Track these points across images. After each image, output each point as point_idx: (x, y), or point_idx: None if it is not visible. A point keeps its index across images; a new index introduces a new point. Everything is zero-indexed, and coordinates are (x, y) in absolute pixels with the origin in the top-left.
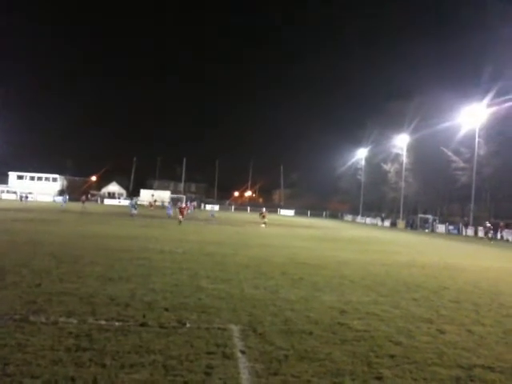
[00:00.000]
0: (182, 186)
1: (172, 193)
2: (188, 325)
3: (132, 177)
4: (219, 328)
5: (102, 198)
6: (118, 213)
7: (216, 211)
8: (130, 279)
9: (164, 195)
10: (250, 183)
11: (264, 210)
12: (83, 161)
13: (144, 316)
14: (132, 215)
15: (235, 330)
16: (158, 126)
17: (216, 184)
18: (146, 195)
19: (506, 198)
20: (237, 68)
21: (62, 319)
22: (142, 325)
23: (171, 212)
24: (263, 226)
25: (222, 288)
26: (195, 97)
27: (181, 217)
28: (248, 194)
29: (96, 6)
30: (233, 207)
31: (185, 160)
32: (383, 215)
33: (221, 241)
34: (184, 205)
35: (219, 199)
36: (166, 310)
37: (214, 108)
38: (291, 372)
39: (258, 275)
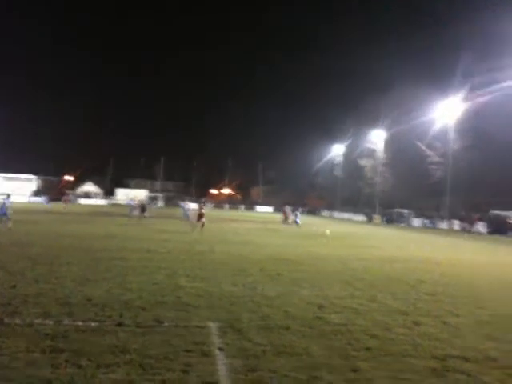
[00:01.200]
0: (159, 184)
1: (149, 192)
2: (166, 323)
3: (109, 176)
4: (197, 326)
5: (78, 198)
6: (97, 212)
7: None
8: (107, 279)
9: (140, 194)
10: (227, 180)
11: (287, 208)
12: (59, 161)
13: (121, 316)
14: (140, 217)
15: (213, 327)
16: (134, 124)
17: (194, 182)
18: (122, 195)
19: (480, 191)
20: (212, 66)
21: (37, 321)
22: (119, 324)
23: (189, 214)
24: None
25: (200, 286)
26: (172, 96)
27: (203, 220)
28: (226, 191)
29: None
30: (211, 205)
31: (162, 159)
32: (367, 211)
33: (198, 238)
34: (202, 206)
35: (198, 197)
36: (143, 309)
37: (190, 106)
38: (269, 367)
39: (237, 272)
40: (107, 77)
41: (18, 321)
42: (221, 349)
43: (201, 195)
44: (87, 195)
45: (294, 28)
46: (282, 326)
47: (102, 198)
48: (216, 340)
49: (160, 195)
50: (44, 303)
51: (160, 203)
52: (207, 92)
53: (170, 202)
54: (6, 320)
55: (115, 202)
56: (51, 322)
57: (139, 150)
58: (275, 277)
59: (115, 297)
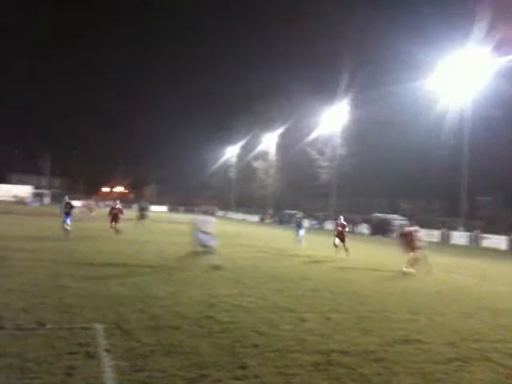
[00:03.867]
0: (45, 180)
1: (35, 188)
2: (48, 325)
3: None
4: (82, 327)
5: None
6: None
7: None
8: None
9: (23, 190)
10: (119, 178)
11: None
12: None
13: (0, 318)
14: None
15: (99, 328)
16: (19, 116)
17: (82, 179)
18: (4, 191)
19: (363, 194)
20: (89, 62)
21: None
22: None
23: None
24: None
25: (85, 286)
26: (68, 84)
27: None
28: (118, 189)
29: None
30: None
31: (50, 154)
32: (269, 211)
33: (84, 236)
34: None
35: (87, 195)
36: (24, 310)
37: (86, 100)
38: (157, 367)
39: (126, 272)
40: None
41: None
42: (107, 350)
43: (91, 193)
44: None
45: (183, 28)
46: (171, 326)
47: None
48: (102, 341)
49: (46, 192)
50: None
51: (46, 200)
52: (102, 88)
53: (57, 199)
54: None
55: None
56: None
57: (21, 144)
58: (165, 277)
59: None
